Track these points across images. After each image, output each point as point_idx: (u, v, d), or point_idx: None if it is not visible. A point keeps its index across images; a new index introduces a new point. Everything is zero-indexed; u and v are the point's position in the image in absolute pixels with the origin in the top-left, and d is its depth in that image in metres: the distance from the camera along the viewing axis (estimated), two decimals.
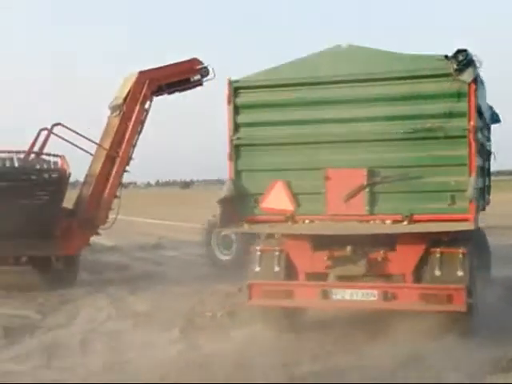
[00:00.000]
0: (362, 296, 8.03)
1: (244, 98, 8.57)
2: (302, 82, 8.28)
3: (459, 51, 7.46)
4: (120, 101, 13.42)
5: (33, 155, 12.83)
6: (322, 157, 8.22)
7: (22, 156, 12.37)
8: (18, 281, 12.39)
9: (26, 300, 11.40)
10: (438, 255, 7.79)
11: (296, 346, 8.10)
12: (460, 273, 7.66)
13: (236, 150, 8.56)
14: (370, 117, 8.01)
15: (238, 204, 8.49)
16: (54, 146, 12.92)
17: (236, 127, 8.56)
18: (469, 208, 7.53)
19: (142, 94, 13.42)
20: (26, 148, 12.75)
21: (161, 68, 13.97)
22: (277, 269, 8.47)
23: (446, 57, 7.61)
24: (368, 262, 8.04)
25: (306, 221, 8.38)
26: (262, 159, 8.52)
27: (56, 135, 12.87)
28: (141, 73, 13.53)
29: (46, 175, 12.46)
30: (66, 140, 12.75)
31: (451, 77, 7.53)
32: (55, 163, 12.50)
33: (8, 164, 12.02)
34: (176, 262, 16.86)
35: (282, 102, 8.44)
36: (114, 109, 13.59)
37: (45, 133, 12.96)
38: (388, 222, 7.97)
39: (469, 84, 7.49)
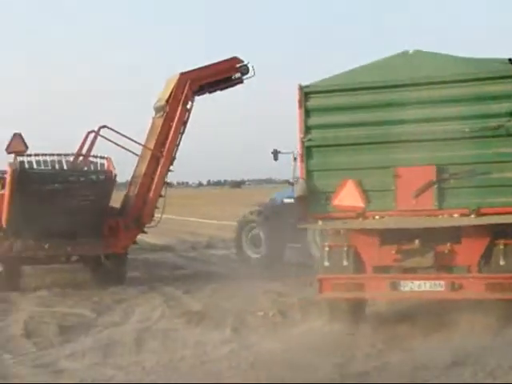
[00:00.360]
0: (429, 287, 8.39)
1: (314, 101, 9.04)
2: (372, 85, 8.76)
3: None
4: (163, 102, 13.73)
5: (81, 158, 13.17)
6: (392, 156, 8.67)
7: (70, 158, 12.71)
8: (70, 279, 13.06)
9: (80, 298, 11.60)
10: (502, 246, 8.17)
11: (349, 344, 8.06)
12: None
13: (307, 151, 9.02)
14: (438, 117, 8.48)
15: (311, 202, 8.95)
16: (101, 148, 13.34)
17: (307, 129, 9.02)
18: None
19: (184, 95, 13.67)
20: (75, 150, 13.12)
21: (201, 68, 14.18)
22: (345, 263, 8.77)
23: (510, 60, 8.12)
24: (435, 255, 8.37)
25: (376, 217, 8.79)
26: (332, 159, 8.96)
27: (103, 137, 13.31)
28: (182, 74, 13.79)
29: (94, 176, 12.82)
30: (112, 141, 13.18)
31: None
32: (102, 165, 12.78)
33: (57, 166, 12.36)
34: (227, 261, 16.91)
35: (351, 105, 8.90)
36: (157, 110, 13.93)
37: (92, 135, 13.37)
38: (456, 215, 8.42)
39: None
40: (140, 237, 14.05)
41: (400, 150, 8.57)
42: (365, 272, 8.85)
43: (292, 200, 14.17)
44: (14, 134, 12.38)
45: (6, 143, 12.23)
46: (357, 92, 8.85)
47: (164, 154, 13.58)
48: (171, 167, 13.86)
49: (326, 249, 8.94)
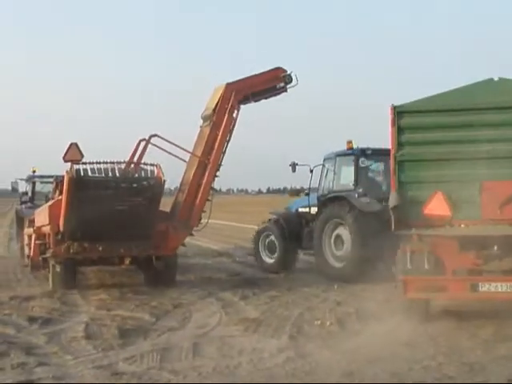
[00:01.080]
0: (507, 288, 9.25)
1: (406, 120, 10.01)
2: (458, 107, 9.82)
3: None
4: (210, 111, 14.32)
5: (132, 165, 13.72)
6: (478, 170, 9.65)
7: (122, 166, 13.21)
8: (130, 283, 13.81)
9: (140, 303, 11.76)
10: None
11: (407, 356, 7.94)
12: None
13: (399, 165, 9.99)
14: None
15: (404, 211, 9.83)
16: (153, 155, 13.91)
17: (399, 146, 9.99)
18: None
19: (230, 105, 14.20)
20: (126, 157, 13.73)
21: (246, 78, 14.75)
22: (427, 266, 9.54)
23: None
24: None
25: (462, 225, 9.81)
26: (423, 173, 9.96)
27: (154, 145, 13.89)
28: (228, 84, 14.36)
29: (144, 183, 13.20)
30: (162, 149, 13.81)
31: None
32: (152, 172, 13.15)
33: (110, 174, 12.81)
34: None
35: (440, 125, 9.91)
36: (205, 119, 14.54)
37: (143, 143, 13.96)
38: None
39: None
40: (199, 242, 14.26)
41: (485, 165, 9.56)
42: (444, 275, 9.63)
43: (306, 209, 16.21)
44: (71, 144, 13.08)
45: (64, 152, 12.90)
46: (445, 113, 9.89)
47: (211, 161, 14.06)
48: (217, 173, 14.32)
49: (408, 253, 9.62)
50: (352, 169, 15.45)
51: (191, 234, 14.53)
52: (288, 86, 15.08)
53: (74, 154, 13.01)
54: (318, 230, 15.16)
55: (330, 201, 15.15)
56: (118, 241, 12.98)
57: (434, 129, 9.91)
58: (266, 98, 15.21)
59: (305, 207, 16.55)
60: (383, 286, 13.14)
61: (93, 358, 8.08)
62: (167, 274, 13.75)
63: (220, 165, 14.34)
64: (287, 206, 18.05)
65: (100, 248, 12.90)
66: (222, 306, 11.54)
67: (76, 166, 12.55)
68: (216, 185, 14.86)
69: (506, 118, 9.51)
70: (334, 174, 15.78)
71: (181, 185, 14.46)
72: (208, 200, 14.27)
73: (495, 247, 9.23)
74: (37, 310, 11.21)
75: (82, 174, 12.50)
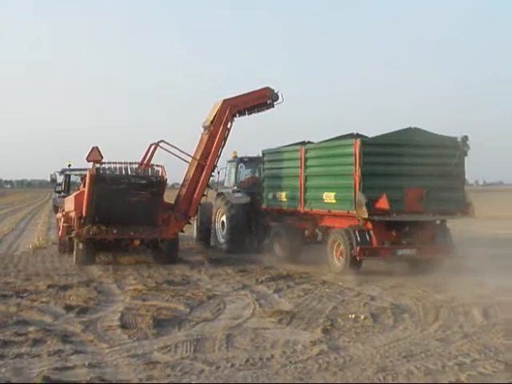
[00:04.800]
0: (411, 252, 14.28)
1: (367, 149, 14.16)
2: (398, 143, 14.45)
3: None
4: (208, 122, 17.54)
5: (142, 165, 16.56)
6: (403, 182, 14.31)
7: (134, 166, 16.03)
8: (162, 271, 15.07)
9: (175, 293, 11.84)
10: None
11: (441, 353, 7.88)
12: None
13: (363, 177, 14.01)
14: (426, 162, 14.47)
15: (363, 205, 13.77)
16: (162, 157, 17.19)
17: (364, 164, 14.03)
18: None
19: (225, 118, 17.43)
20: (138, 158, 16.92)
21: (240, 96, 17.93)
22: (368, 239, 14.17)
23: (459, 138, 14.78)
24: None
25: (394, 214, 13.99)
26: (376, 182, 14.21)
27: (162, 148, 17.06)
28: (224, 101, 17.52)
29: (151, 180, 15.91)
30: (169, 152, 17.08)
31: None
32: (157, 171, 16.09)
33: (124, 172, 15.71)
34: (318, 261, 16.78)
35: (387, 153, 14.49)
36: (205, 128, 17.78)
37: (153, 147, 17.07)
38: None
39: None
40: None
41: (407, 179, 14.35)
42: (377, 245, 14.19)
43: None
44: (93, 148, 16.28)
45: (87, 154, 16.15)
46: (390, 146, 14.46)
47: (207, 163, 17.30)
48: (213, 173, 17.95)
49: (357, 232, 14.18)
50: (234, 172, 20.79)
51: (189, 223, 17.99)
52: (275, 103, 18.27)
53: (95, 155, 16.20)
54: (213, 218, 20.18)
55: (218, 196, 20.25)
56: (128, 225, 15.93)
57: (382, 156, 14.35)
58: (256, 112, 18.33)
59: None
60: (418, 283, 13.10)
61: (128, 346, 8.19)
62: (170, 253, 16.75)
63: (215, 166, 17.82)
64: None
65: (114, 231, 15.84)
66: (256, 298, 11.57)
67: (97, 165, 15.65)
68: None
69: (420, 151, 14.40)
70: (225, 175, 21.37)
71: (183, 181, 17.71)
72: (204, 195, 17.88)
73: (407, 228, 14.31)
74: (73, 298, 11.36)
75: (100, 171, 15.50)
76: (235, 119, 17.84)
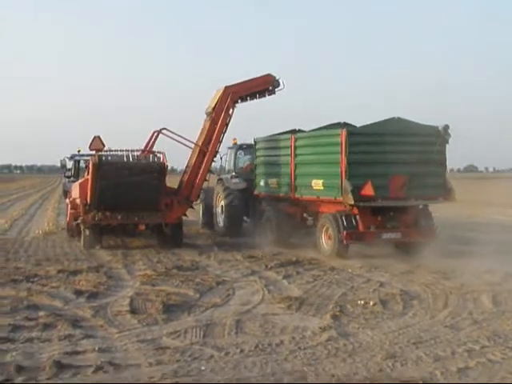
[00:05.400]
0: (395, 236, 14.96)
1: (354, 138, 14.65)
2: (383, 132, 14.88)
3: None
4: (211, 109, 17.75)
5: (144, 152, 17.11)
6: (388, 169, 14.84)
7: (136, 153, 16.61)
8: (171, 256, 15.18)
9: (184, 279, 11.87)
10: None
11: (451, 339, 7.88)
12: None
13: (349, 165, 14.44)
14: (410, 150, 15.05)
15: (349, 192, 14.28)
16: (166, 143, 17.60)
17: (350, 153, 14.48)
18: None
19: (227, 104, 17.59)
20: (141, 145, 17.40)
21: (242, 83, 18.07)
22: (354, 224, 14.71)
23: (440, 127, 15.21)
24: None
25: (379, 200, 14.63)
26: (361, 170, 14.59)
27: (165, 135, 17.41)
28: (226, 87, 17.67)
29: (152, 166, 16.40)
30: (172, 138, 17.42)
31: None
32: (158, 158, 16.66)
33: (125, 159, 16.25)
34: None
35: (373, 142, 14.95)
36: (207, 114, 17.95)
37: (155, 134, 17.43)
38: None
39: None
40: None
41: (392, 166, 14.89)
42: (363, 229, 14.78)
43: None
44: (94, 137, 17.15)
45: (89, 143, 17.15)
46: (375, 135, 14.94)
47: (209, 149, 17.54)
48: (214, 159, 18.25)
49: (344, 217, 14.73)
50: (233, 158, 21.28)
51: (191, 207, 18.04)
52: (276, 90, 18.41)
53: (97, 144, 17.00)
54: (213, 201, 20.58)
55: (218, 181, 20.80)
56: (132, 211, 16.31)
57: (367, 144, 14.83)
58: (258, 99, 18.49)
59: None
60: (428, 269, 13.08)
61: (137, 331, 8.22)
62: (174, 237, 17.06)
63: (217, 152, 18.13)
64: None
65: (119, 217, 16.20)
66: (265, 284, 11.58)
67: (99, 154, 16.24)
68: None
69: (404, 140, 14.98)
70: (226, 161, 21.76)
71: (186, 167, 17.98)
72: (206, 180, 18.09)
73: (391, 213, 14.90)
74: (83, 283, 11.41)
75: (103, 159, 15.98)
76: (237, 105, 18.08)
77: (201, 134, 17.87)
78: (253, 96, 18.39)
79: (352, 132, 14.81)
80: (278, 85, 18.37)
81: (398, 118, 15.08)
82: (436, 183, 15.39)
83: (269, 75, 18.39)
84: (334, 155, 14.97)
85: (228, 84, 17.83)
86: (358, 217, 14.74)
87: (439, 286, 11.29)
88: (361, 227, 14.74)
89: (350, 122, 16.18)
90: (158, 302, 9.81)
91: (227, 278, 12.23)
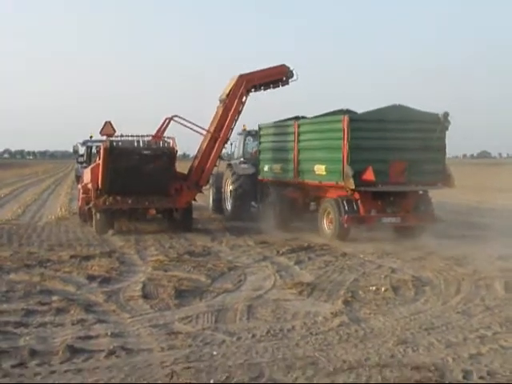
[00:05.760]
0: (396, 220, 15.28)
1: (355, 125, 14.92)
2: (386, 119, 15.16)
3: None
4: (224, 96, 18.00)
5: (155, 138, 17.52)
6: (388, 155, 15.14)
7: (146, 138, 16.92)
8: (183, 242, 15.27)
9: (196, 264, 11.90)
10: None
11: (463, 325, 7.87)
12: None
13: (350, 150, 14.77)
14: (409, 136, 15.48)
15: (351, 177, 14.66)
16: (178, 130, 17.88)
17: (351, 139, 14.77)
18: None
19: (240, 92, 17.83)
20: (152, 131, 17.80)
21: (256, 72, 18.30)
22: (355, 208, 15.08)
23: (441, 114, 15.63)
24: None
25: (379, 185, 14.91)
26: (362, 155, 14.81)
27: (176, 122, 17.67)
28: (240, 76, 17.92)
29: (162, 151, 16.66)
30: (183, 125, 17.62)
31: None
32: (168, 143, 16.97)
33: (136, 144, 16.54)
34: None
35: (375, 128, 15.18)
36: (221, 101, 18.18)
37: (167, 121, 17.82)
38: None
39: None
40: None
41: (391, 152, 15.17)
42: (364, 213, 15.13)
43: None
44: (106, 122, 18.02)
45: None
46: (377, 122, 15.15)
47: (221, 135, 17.70)
48: (225, 145, 18.57)
49: (345, 201, 15.13)
50: (242, 144, 21.64)
51: (201, 192, 18.21)
52: (290, 80, 18.60)
53: (108, 129, 17.72)
54: (223, 186, 21.09)
55: (227, 167, 21.12)
56: (143, 196, 16.54)
57: (369, 131, 15.05)
58: (271, 89, 18.70)
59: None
60: (440, 256, 13.05)
61: (149, 317, 8.26)
62: (184, 222, 17.41)
63: (228, 139, 18.28)
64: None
65: (129, 201, 16.47)
66: (277, 269, 11.60)
67: (110, 139, 16.53)
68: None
69: (404, 126, 15.24)
70: (235, 147, 22.12)
71: (197, 152, 18.23)
72: (215, 166, 18.63)
73: (391, 198, 15.23)
74: (96, 268, 11.47)
75: (114, 144, 16.24)
76: (250, 94, 18.29)
77: (213, 119, 18.06)
78: (266, 86, 18.58)
79: (353, 118, 15.07)
80: (292, 75, 18.57)
81: (399, 105, 15.35)
82: (435, 169, 15.64)
83: (283, 65, 18.54)
84: (336, 141, 15.26)
85: (243, 73, 18.05)
86: (359, 201, 15.09)
87: (451, 273, 11.26)
88: (362, 211, 15.10)
89: (352, 109, 16.44)
90: (169, 287, 9.84)
91: (239, 263, 12.25)
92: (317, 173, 16.05)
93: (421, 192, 15.91)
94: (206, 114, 18.77)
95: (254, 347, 7.00)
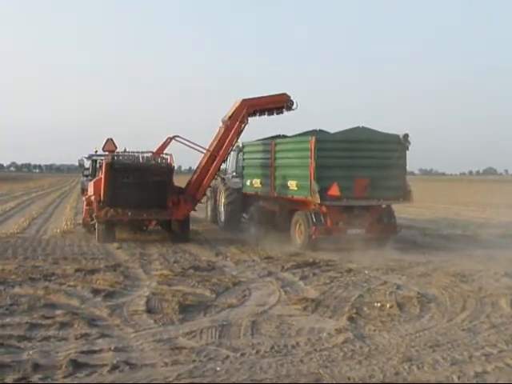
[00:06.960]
0: (360, 232, 16.47)
1: (321, 145, 16.18)
2: (349, 140, 16.68)
3: None
4: (227, 118, 18.97)
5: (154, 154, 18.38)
6: (353, 172, 16.37)
7: (146, 155, 17.92)
8: (187, 257, 15.30)
9: (201, 279, 11.88)
10: None
11: (468, 343, 7.83)
12: None
13: (317, 168, 15.99)
14: (372, 155, 16.71)
15: (317, 193, 15.93)
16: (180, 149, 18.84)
17: (318, 158, 16.01)
18: None
19: (242, 115, 18.76)
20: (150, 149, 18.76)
21: (259, 98, 19.26)
22: (323, 221, 16.32)
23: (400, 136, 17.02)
24: None
25: (344, 199, 16.07)
26: (328, 173, 16.04)
27: (178, 141, 18.62)
28: (244, 100, 18.91)
29: (160, 167, 17.61)
30: (184, 144, 18.62)
31: None
32: (166, 159, 17.99)
33: (136, 160, 17.51)
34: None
35: (339, 148, 16.59)
36: (223, 122, 19.15)
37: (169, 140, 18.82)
38: None
39: None
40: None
41: (356, 170, 16.36)
42: (331, 225, 16.36)
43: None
44: (107, 139, 19.69)
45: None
46: (342, 142, 16.61)
47: (220, 154, 18.74)
48: (223, 164, 20.12)
49: (313, 214, 16.37)
50: (235, 159, 22.76)
51: (200, 202, 19.39)
52: (289, 110, 19.36)
53: (109, 146, 19.18)
54: (217, 199, 22.58)
55: (221, 180, 22.28)
56: (142, 208, 17.49)
57: (334, 150, 16.44)
58: (268, 115, 19.52)
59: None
60: (445, 272, 13.01)
61: (153, 331, 8.24)
62: (182, 233, 18.46)
63: (226, 158, 19.68)
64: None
65: (129, 213, 17.38)
66: (282, 285, 11.56)
67: (112, 154, 17.67)
68: None
69: (367, 146, 16.53)
70: (228, 161, 22.48)
71: (196, 168, 19.29)
72: (214, 179, 19.79)
73: (356, 211, 16.41)
74: (100, 282, 11.46)
75: (115, 159, 17.25)
76: (250, 118, 19.20)
77: (215, 138, 19.11)
78: (263, 112, 19.47)
79: (320, 139, 16.37)
80: (292, 104, 19.34)
81: (363, 127, 16.81)
82: (396, 185, 16.91)
83: (284, 94, 19.37)
84: (305, 159, 16.54)
85: (246, 98, 19.06)
86: (326, 214, 16.37)
87: (456, 289, 11.21)
88: (328, 223, 16.40)
89: (325, 130, 18.00)
90: (174, 302, 9.81)
91: (243, 278, 12.22)
92: (290, 188, 17.41)
93: (384, 206, 17.13)
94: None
95: (257, 363, 6.97)
